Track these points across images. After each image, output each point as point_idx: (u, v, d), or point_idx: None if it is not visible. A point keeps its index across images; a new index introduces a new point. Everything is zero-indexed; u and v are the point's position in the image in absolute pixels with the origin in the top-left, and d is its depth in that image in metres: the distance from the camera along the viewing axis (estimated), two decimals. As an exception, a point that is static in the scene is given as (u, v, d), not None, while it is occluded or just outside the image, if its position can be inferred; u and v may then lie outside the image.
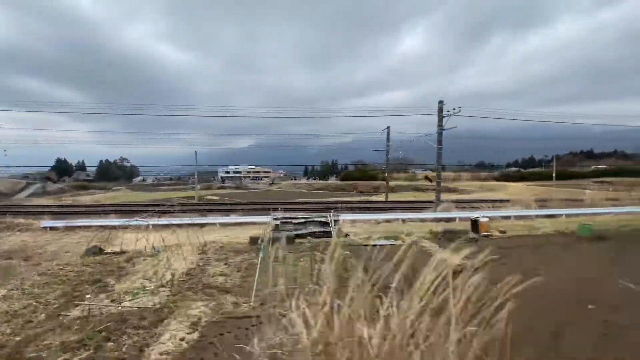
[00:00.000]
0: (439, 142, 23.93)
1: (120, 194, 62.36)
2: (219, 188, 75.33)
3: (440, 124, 23.58)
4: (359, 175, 77.80)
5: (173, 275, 9.28)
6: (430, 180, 61.30)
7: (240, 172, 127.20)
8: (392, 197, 43.53)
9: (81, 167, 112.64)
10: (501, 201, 26.98)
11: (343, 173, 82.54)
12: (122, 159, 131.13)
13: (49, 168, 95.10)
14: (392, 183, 73.04)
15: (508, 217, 18.72)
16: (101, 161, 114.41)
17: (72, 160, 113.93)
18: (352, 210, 22.74)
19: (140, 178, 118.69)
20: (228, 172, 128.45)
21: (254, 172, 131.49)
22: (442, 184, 71.15)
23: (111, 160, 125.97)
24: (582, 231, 13.38)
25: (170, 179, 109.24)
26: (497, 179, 66.75)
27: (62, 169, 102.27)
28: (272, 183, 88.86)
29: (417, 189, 62.06)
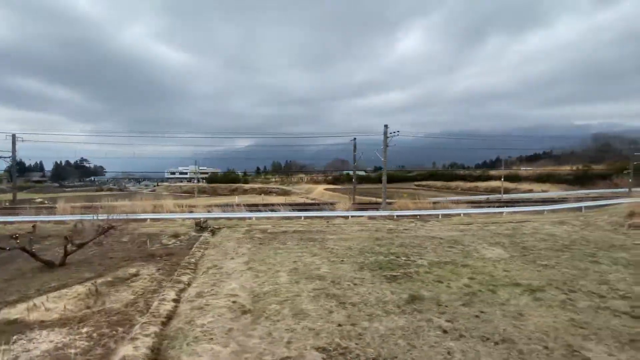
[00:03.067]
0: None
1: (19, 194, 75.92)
2: (107, 190, 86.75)
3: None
4: (221, 178, 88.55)
5: None
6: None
7: (187, 173, 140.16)
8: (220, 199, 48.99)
9: (39, 168, 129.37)
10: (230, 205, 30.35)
11: (209, 176, 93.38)
12: (82, 160, 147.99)
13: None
14: (248, 186, 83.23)
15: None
16: (57, 162, 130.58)
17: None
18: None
19: (90, 179, 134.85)
20: (174, 173, 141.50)
21: (202, 173, 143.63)
22: (283, 187, 79.54)
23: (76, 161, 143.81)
24: None
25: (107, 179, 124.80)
26: (329, 182, 74.96)
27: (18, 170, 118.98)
28: (156, 185, 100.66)
29: (264, 192, 71.54)
